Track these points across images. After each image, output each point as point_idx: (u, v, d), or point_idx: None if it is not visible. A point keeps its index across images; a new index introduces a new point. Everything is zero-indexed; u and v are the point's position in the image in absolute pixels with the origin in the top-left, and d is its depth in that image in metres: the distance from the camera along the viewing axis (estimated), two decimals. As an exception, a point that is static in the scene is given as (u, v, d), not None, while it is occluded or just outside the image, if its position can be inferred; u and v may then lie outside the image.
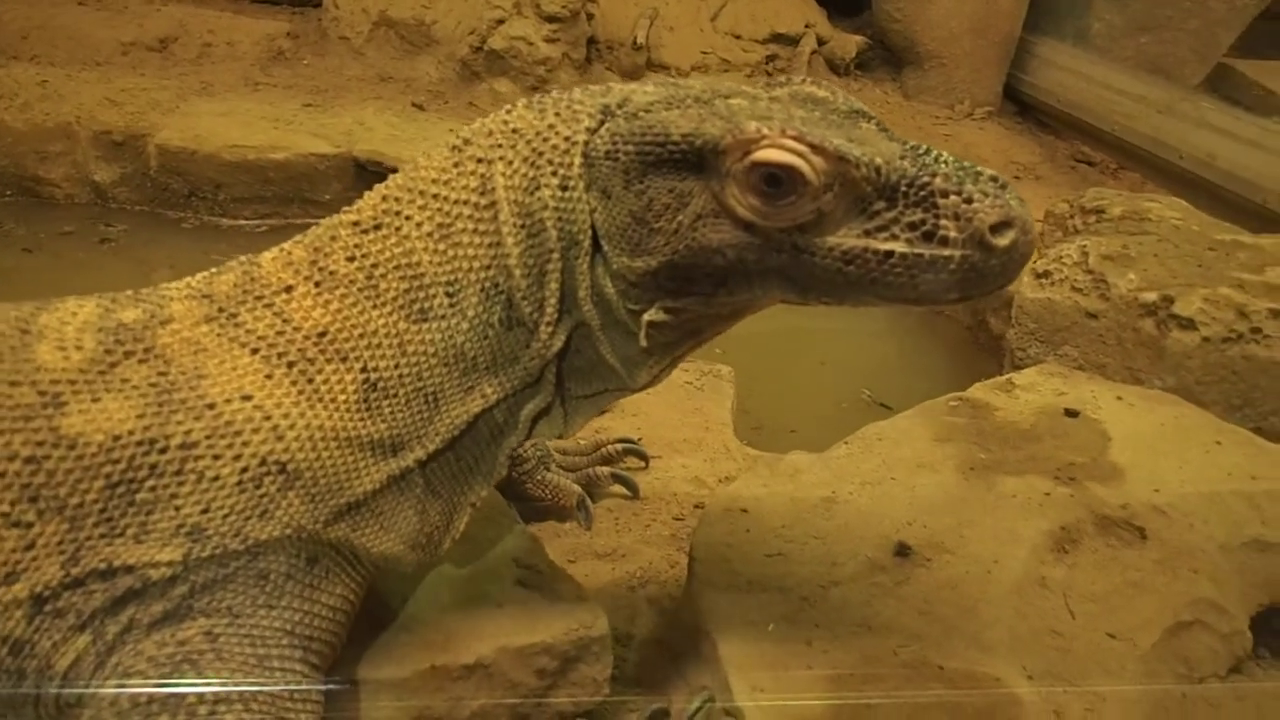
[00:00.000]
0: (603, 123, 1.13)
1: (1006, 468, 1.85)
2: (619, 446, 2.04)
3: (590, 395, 1.28)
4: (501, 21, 4.56)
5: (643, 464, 2.07)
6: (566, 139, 1.13)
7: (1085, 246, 2.50)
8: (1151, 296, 2.32)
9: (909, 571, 1.53)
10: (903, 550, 1.57)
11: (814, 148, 1.04)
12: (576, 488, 1.88)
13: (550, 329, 1.16)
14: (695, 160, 1.07)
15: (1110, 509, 1.75)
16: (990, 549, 1.59)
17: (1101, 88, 4.64)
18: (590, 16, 4.75)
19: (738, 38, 5.06)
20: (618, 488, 1.99)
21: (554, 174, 1.12)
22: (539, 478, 1.86)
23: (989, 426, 2.01)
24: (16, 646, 0.99)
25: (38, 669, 1.01)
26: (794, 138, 1.04)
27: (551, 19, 4.55)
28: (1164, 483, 1.85)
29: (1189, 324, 2.27)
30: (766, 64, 5.00)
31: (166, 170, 3.86)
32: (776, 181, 1.04)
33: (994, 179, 1.07)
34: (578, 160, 1.13)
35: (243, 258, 1.23)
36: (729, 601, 1.45)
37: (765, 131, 1.04)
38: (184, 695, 0.98)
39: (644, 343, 1.16)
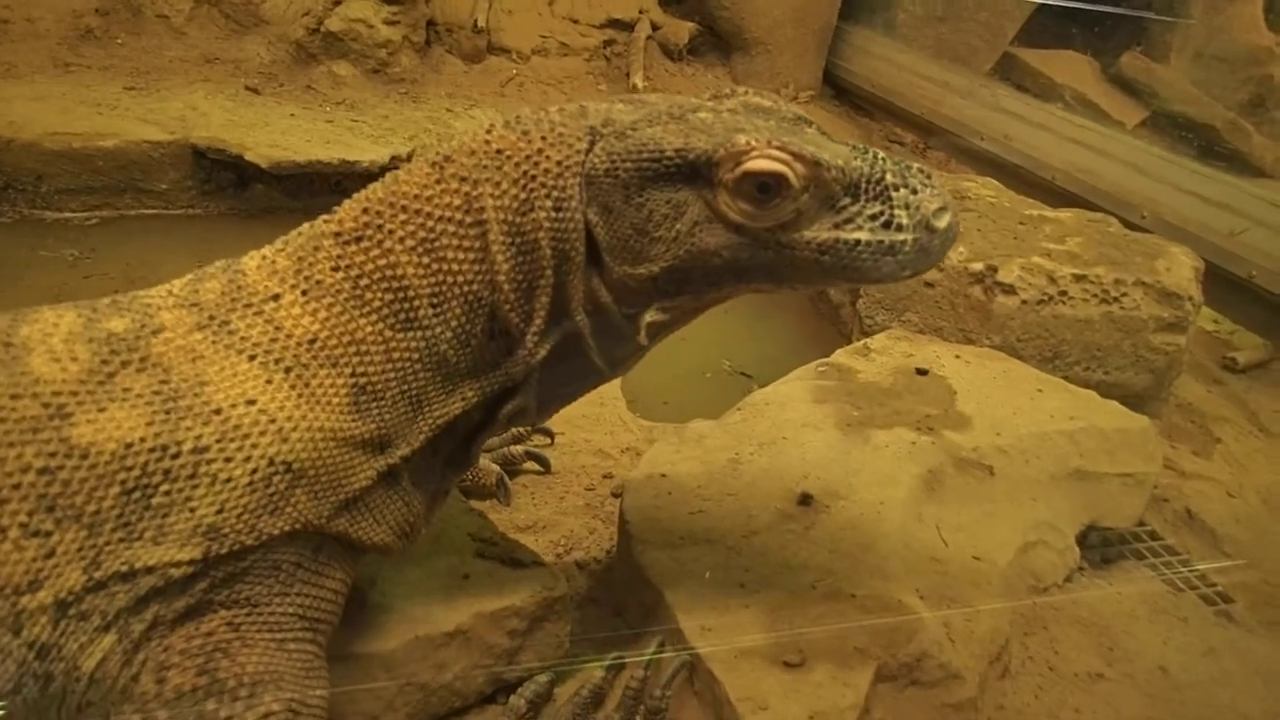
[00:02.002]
0: (592, 144, 1.21)
1: (877, 422, 2.10)
2: (527, 426, 2.14)
3: (567, 391, 1.37)
4: (339, 2, 4.46)
5: (549, 441, 2.19)
6: (558, 163, 1.20)
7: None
8: (978, 266, 2.65)
9: (814, 517, 1.73)
10: (805, 500, 1.78)
11: (795, 156, 1.17)
12: (495, 467, 1.97)
13: (536, 338, 1.24)
14: (689, 172, 1.18)
15: (965, 452, 2.03)
16: (875, 493, 1.83)
17: (909, 73, 5.08)
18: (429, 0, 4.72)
19: (575, 22, 5.16)
20: (531, 464, 2.09)
21: (547, 196, 1.19)
22: (459, 459, 1.94)
23: (855, 387, 2.26)
24: (43, 651, 1.01)
25: (65, 671, 1.02)
26: (779, 148, 1.17)
27: (391, 1, 4.49)
28: (1003, 427, 2.15)
29: (1010, 289, 2.61)
30: (604, 49, 5.13)
31: (-23, 161, 3.56)
32: (765, 188, 1.17)
33: (923, 171, 1.24)
34: (573, 182, 1.20)
35: (221, 263, 1.24)
36: (667, 557, 1.60)
37: (754, 144, 1.16)
38: (225, 680, 1.03)
39: (645, 341, 1.26)
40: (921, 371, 2.38)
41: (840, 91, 5.57)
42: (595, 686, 1.40)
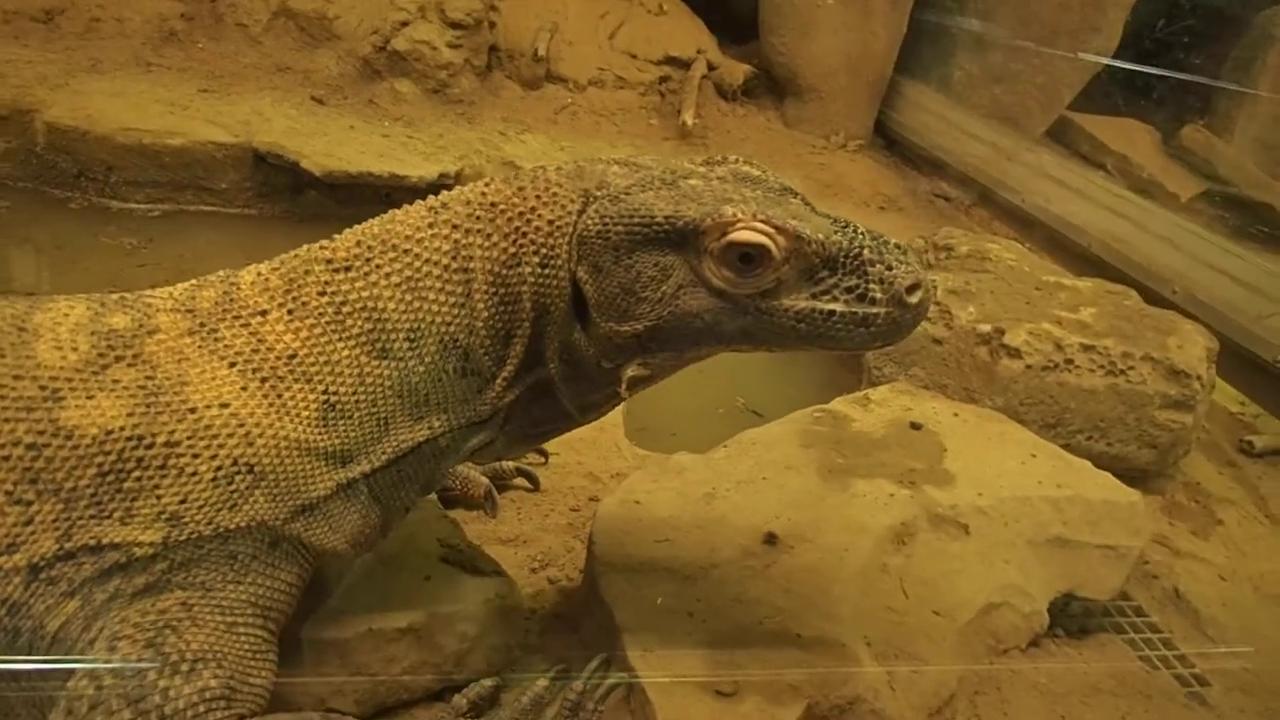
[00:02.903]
0: (585, 205, 1.29)
1: (859, 471, 2.14)
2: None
3: (537, 431, 1.45)
4: (406, 24, 4.66)
5: (543, 460, 2.27)
6: (550, 221, 1.29)
7: (934, 281, 2.85)
8: (986, 328, 2.68)
9: (775, 557, 1.79)
10: (770, 539, 1.83)
11: (778, 229, 1.24)
12: (484, 479, 2.06)
13: (506, 383, 1.32)
14: (677, 238, 1.25)
15: (942, 508, 2.06)
16: (842, 539, 1.87)
17: (959, 131, 5.12)
18: (493, 25, 4.90)
19: (633, 57, 5.30)
20: (520, 480, 2.18)
21: (535, 253, 1.28)
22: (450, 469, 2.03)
23: (846, 435, 2.31)
24: (14, 608, 1.11)
25: (31, 629, 1.13)
26: (763, 221, 1.24)
27: (456, 25, 4.68)
28: (986, 487, 2.18)
29: (1015, 353, 2.64)
30: (660, 84, 5.26)
31: (55, 149, 3.79)
32: (748, 258, 1.24)
33: (899, 248, 1.30)
34: (562, 241, 1.28)
35: (221, 273, 1.35)
36: (624, 580, 1.67)
37: (740, 215, 1.24)
38: (169, 655, 1.12)
39: (625, 393, 1.34)
40: (915, 426, 2.41)
41: (890, 143, 5.63)
42: (536, 695, 1.47)
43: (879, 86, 5.47)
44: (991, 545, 2.05)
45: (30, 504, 1.12)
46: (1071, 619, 2.18)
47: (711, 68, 5.38)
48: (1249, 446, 3.14)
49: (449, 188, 4.34)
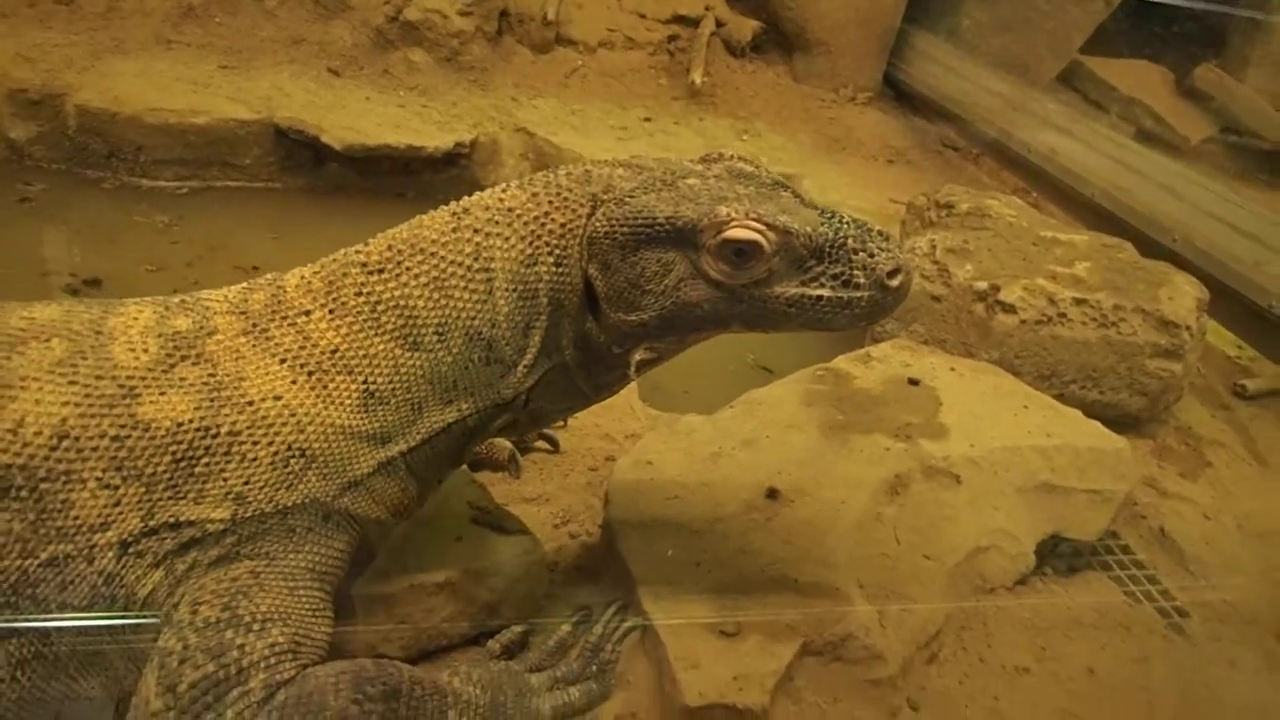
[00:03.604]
0: (594, 209, 1.42)
1: (858, 427, 2.29)
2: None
3: (555, 410, 1.60)
4: (417, -7, 4.74)
5: (562, 423, 2.44)
6: (563, 225, 1.42)
7: (934, 240, 2.96)
8: (983, 285, 2.80)
9: (777, 510, 1.94)
10: (772, 494, 1.99)
11: (769, 226, 1.37)
12: (508, 444, 2.22)
13: (527, 369, 1.46)
14: (677, 237, 1.38)
15: (935, 460, 2.21)
16: (840, 493, 2.03)
17: (967, 81, 5.15)
18: (502, -9, 4.97)
19: (642, 16, 5.35)
20: (542, 443, 2.34)
21: (550, 253, 1.42)
22: (476, 435, 2.20)
23: (846, 393, 2.45)
24: (109, 578, 1.29)
25: (125, 595, 1.30)
26: (755, 219, 1.36)
27: (466, -7, 4.76)
28: (978, 439, 2.32)
29: (1010, 308, 2.76)
30: (668, 43, 5.31)
31: (86, 131, 3.92)
32: (742, 252, 1.37)
33: (881, 234, 1.43)
34: (574, 243, 1.41)
35: (269, 276, 1.50)
36: (637, 535, 1.84)
37: (733, 215, 1.36)
38: (242, 616, 1.29)
39: (634, 375, 1.49)
40: (913, 382, 2.55)
41: (899, 94, 5.66)
42: (561, 639, 1.65)
43: (887, 38, 5.49)
44: (981, 493, 2.19)
45: (117, 488, 1.29)
46: (1060, 559, 2.33)
47: (720, 24, 5.42)
48: (1242, 390, 3.25)
49: (466, 158, 4.46)
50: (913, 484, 2.14)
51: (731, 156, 1.54)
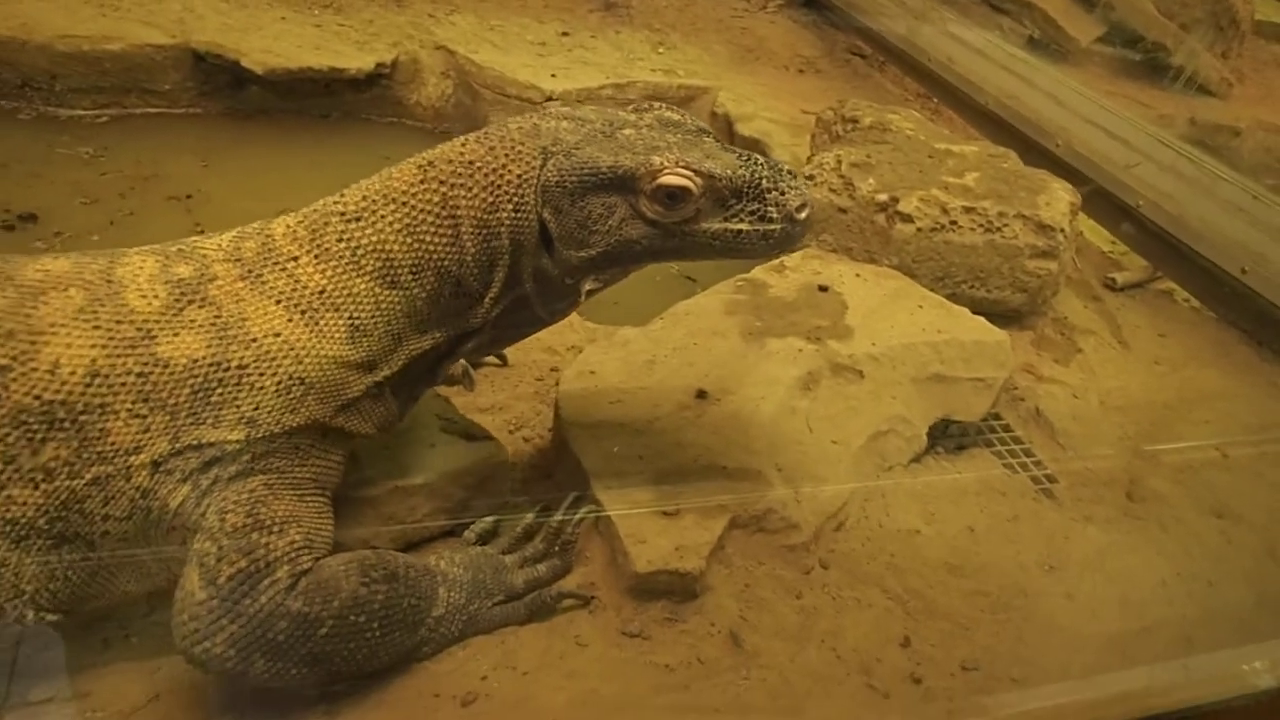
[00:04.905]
0: (544, 161, 1.63)
1: (774, 332, 2.57)
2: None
3: (515, 333, 1.85)
4: (326, -93, 4.67)
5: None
6: (519, 175, 1.62)
7: (839, 156, 3.21)
8: (883, 197, 3.08)
9: (705, 408, 2.23)
10: (701, 394, 2.27)
11: (696, 171, 1.60)
12: (462, 360, 2.45)
13: (493, 301, 1.68)
14: (618, 183, 1.60)
15: (841, 358, 2.51)
16: (759, 390, 2.32)
17: (872, -11, 5.34)
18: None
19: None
20: (492, 359, 2.57)
21: (509, 200, 1.62)
22: (431, 353, 2.41)
23: (763, 301, 2.73)
24: (145, 493, 1.49)
25: (159, 507, 1.51)
26: (684, 166, 1.59)
27: (375, -94, 4.70)
28: (879, 337, 2.63)
29: (908, 218, 3.05)
30: (582, -45, 5.34)
31: (-4, 60, 3.87)
32: (673, 195, 1.60)
33: (790, 173, 1.67)
34: (529, 191, 1.62)
35: (257, 224, 1.67)
36: (587, 435, 2.11)
37: (665, 163, 1.59)
38: (263, 519, 1.50)
39: (584, 300, 1.73)
40: (823, 288, 2.84)
41: (808, 2, 5.82)
42: (527, 526, 1.92)
43: (796, -54, 5.62)
44: (881, 385, 2.51)
45: (145, 417, 1.48)
46: (949, 439, 2.68)
47: (631, -66, 5.46)
48: (1112, 283, 3.64)
49: (388, 78, 4.48)
50: (822, 380, 2.45)
51: (660, 107, 1.75)
